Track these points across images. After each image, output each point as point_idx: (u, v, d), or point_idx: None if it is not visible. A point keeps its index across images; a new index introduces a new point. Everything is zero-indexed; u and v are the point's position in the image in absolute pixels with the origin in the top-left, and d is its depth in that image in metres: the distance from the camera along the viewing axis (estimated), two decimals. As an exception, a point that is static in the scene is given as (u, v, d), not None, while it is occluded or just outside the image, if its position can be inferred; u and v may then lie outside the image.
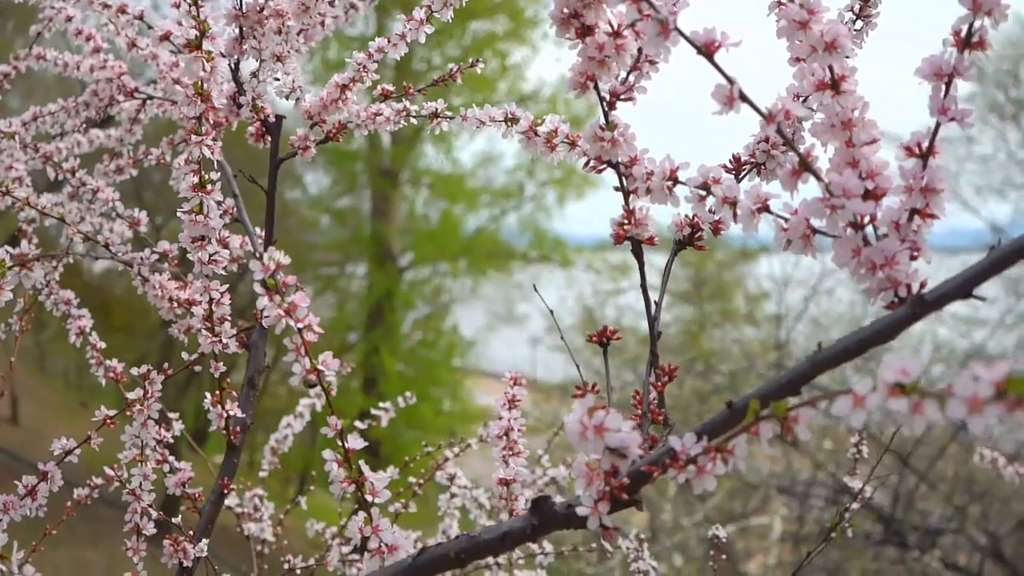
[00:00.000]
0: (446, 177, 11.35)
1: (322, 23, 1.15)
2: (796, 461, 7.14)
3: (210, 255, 0.98)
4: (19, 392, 9.50)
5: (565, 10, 0.71)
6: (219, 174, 0.97)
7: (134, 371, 1.06)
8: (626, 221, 0.78)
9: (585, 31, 0.71)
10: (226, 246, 1.03)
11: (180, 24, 1.13)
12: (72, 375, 12.87)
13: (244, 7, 1.11)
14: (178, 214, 0.96)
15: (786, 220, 0.68)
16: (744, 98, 0.63)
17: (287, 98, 1.16)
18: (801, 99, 0.77)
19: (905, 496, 6.56)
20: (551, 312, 0.91)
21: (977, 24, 0.63)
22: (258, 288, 0.74)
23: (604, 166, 0.78)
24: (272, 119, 1.19)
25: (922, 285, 0.62)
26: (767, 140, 0.82)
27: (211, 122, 0.94)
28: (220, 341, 1.04)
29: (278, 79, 1.14)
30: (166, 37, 1.14)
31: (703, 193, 0.74)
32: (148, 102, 1.43)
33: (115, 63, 1.39)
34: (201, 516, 1.14)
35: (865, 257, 0.63)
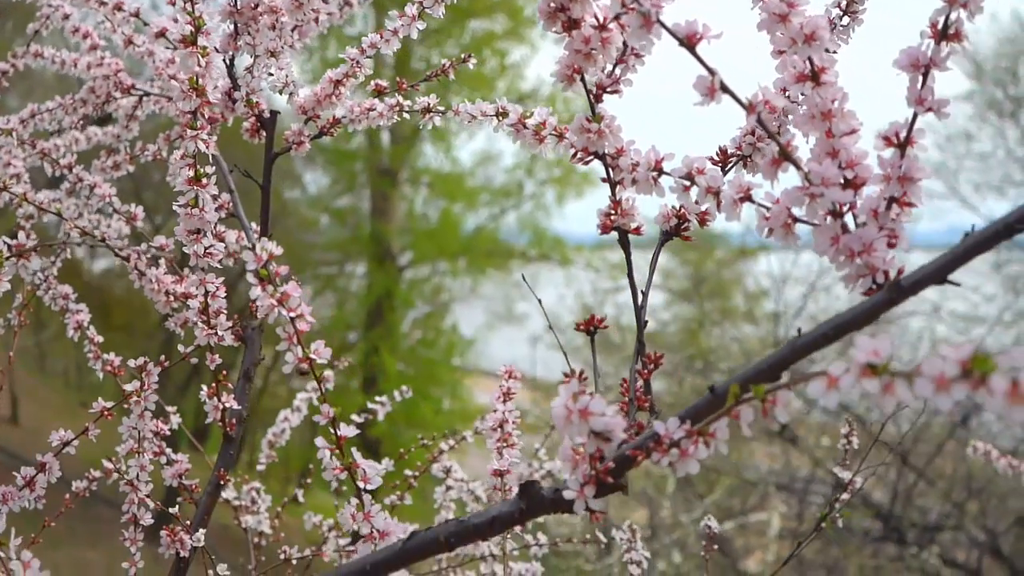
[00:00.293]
0: (445, 176, 11.36)
1: (316, 19, 1.16)
2: (795, 458, 7.16)
3: (205, 248, 0.99)
4: (19, 392, 9.52)
5: (552, 4, 0.72)
6: (214, 168, 0.98)
7: (131, 363, 1.08)
8: (613, 211, 0.80)
9: (571, 24, 0.72)
10: (222, 240, 1.05)
11: (176, 21, 1.15)
12: (72, 375, 12.88)
13: (238, 4, 1.13)
14: (174, 207, 0.97)
15: (768, 209, 0.70)
16: (725, 89, 0.64)
17: (281, 93, 1.18)
18: (786, 92, 0.78)
19: (904, 493, 6.58)
20: (539, 301, 0.93)
21: (953, 16, 0.64)
22: (251, 278, 0.75)
23: (591, 157, 0.79)
24: (267, 115, 1.20)
25: (899, 272, 0.63)
26: (753, 132, 0.84)
27: (206, 117, 0.95)
28: (216, 334, 1.06)
29: (272, 74, 1.15)
30: (162, 34, 1.16)
31: (687, 183, 0.75)
32: (145, 99, 1.45)
33: (112, 60, 1.40)
34: (198, 507, 1.16)
35: (844, 244, 0.64)
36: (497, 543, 1.40)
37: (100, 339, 1.26)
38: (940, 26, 0.65)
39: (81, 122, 1.44)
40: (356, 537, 0.81)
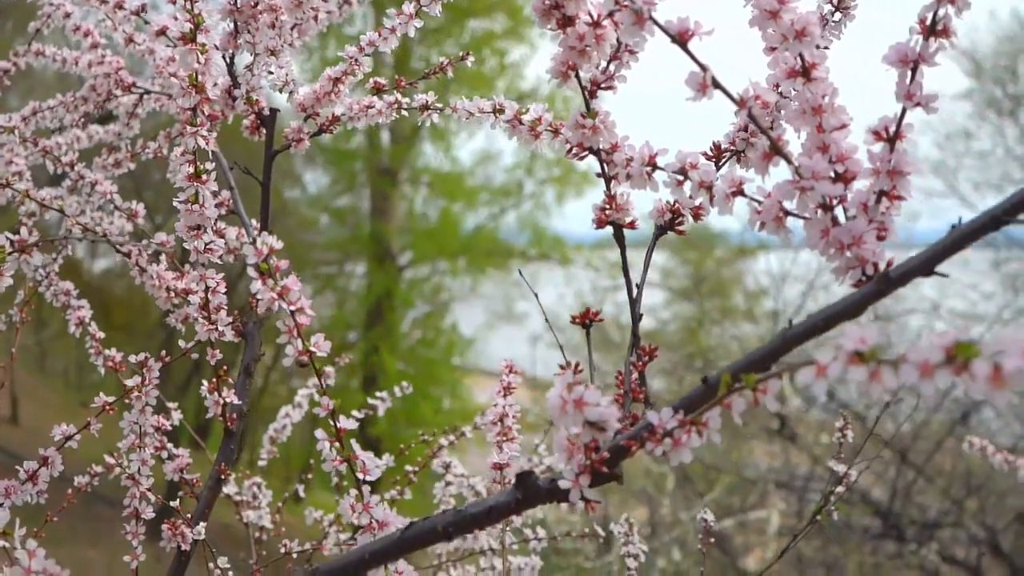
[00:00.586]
0: (445, 175, 11.37)
1: (315, 18, 1.17)
2: (794, 456, 7.17)
3: (206, 244, 1.00)
4: (19, 392, 9.53)
5: (547, 1, 0.73)
6: (214, 165, 0.99)
7: (132, 359, 1.09)
8: (608, 206, 0.81)
9: (566, 22, 0.73)
10: (222, 236, 1.06)
11: (176, 19, 1.16)
12: (72, 375, 12.90)
13: (238, 2, 1.14)
14: (175, 204, 0.98)
15: (760, 203, 0.71)
16: (717, 85, 0.65)
17: (281, 91, 1.19)
18: (778, 88, 0.79)
19: (903, 490, 6.59)
20: (536, 296, 0.94)
21: (941, 12, 0.66)
22: (252, 272, 0.76)
23: (586, 153, 0.80)
24: (267, 112, 1.21)
25: (888, 263, 0.64)
26: (745, 128, 0.84)
27: (206, 114, 0.96)
28: (216, 329, 1.07)
29: (272, 72, 1.16)
30: (162, 32, 1.17)
31: (681, 178, 0.76)
32: (145, 96, 1.46)
33: (113, 58, 1.41)
34: (199, 501, 1.17)
35: (834, 237, 0.66)
36: (496, 537, 1.42)
37: (102, 335, 1.27)
38: (928, 22, 0.66)
39: (83, 120, 1.45)
40: (356, 532, 0.82)
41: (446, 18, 9.61)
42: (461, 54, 1.22)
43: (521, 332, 11.67)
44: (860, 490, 6.55)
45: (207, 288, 1.05)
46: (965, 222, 0.60)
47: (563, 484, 0.68)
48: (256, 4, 1.12)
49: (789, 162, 0.67)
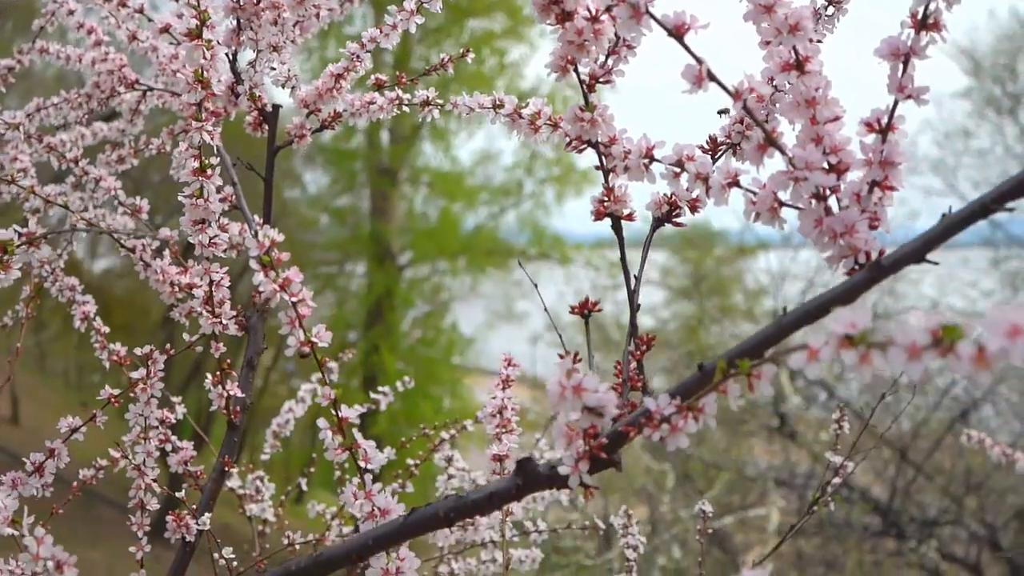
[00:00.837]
0: (445, 175, 11.39)
1: (317, 15, 1.18)
2: (794, 454, 7.19)
3: (210, 238, 1.02)
4: (19, 392, 9.55)
5: (546, -3, 0.75)
6: (219, 160, 1.01)
7: (138, 351, 1.10)
8: (606, 198, 0.82)
9: (565, 16, 0.74)
10: (225, 231, 1.07)
11: (179, 17, 1.17)
12: (72, 375, 12.92)
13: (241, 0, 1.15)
14: (179, 198, 1.00)
15: (755, 194, 0.72)
16: (712, 77, 0.66)
17: (283, 87, 1.20)
18: (773, 81, 0.80)
19: (903, 488, 6.61)
20: (535, 285, 0.95)
21: (932, 6, 0.67)
22: (254, 264, 0.78)
23: (585, 146, 0.82)
24: (269, 108, 1.23)
25: (880, 252, 0.66)
26: (742, 121, 0.86)
27: (210, 109, 0.98)
28: (220, 322, 1.08)
29: (274, 68, 1.18)
30: (166, 29, 1.18)
31: (677, 170, 0.77)
32: (148, 94, 1.47)
33: (116, 56, 1.43)
34: (203, 493, 1.18)
35: (827, 226, 0.67)
36: (497, 529, 1.43)
37: (106, 329, 1.28)
38: (920, 16, 0.68)
39: (86, 117, 1.46)
40: (358, 526, 0.83)
41: (446, 18, 9.63)
42: (461, 50, 1.23)
43: (521, 331, 11.69)
44: (860, 488, 6.57)
45: (211, 282, 1.07)
46: (955, 210, 0.62)
47: (562, 470, 0.70)
48: (259, 1, 1.14)
49: (783, 153, 0.68)
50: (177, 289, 1.19)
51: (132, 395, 1.15)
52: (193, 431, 1.46)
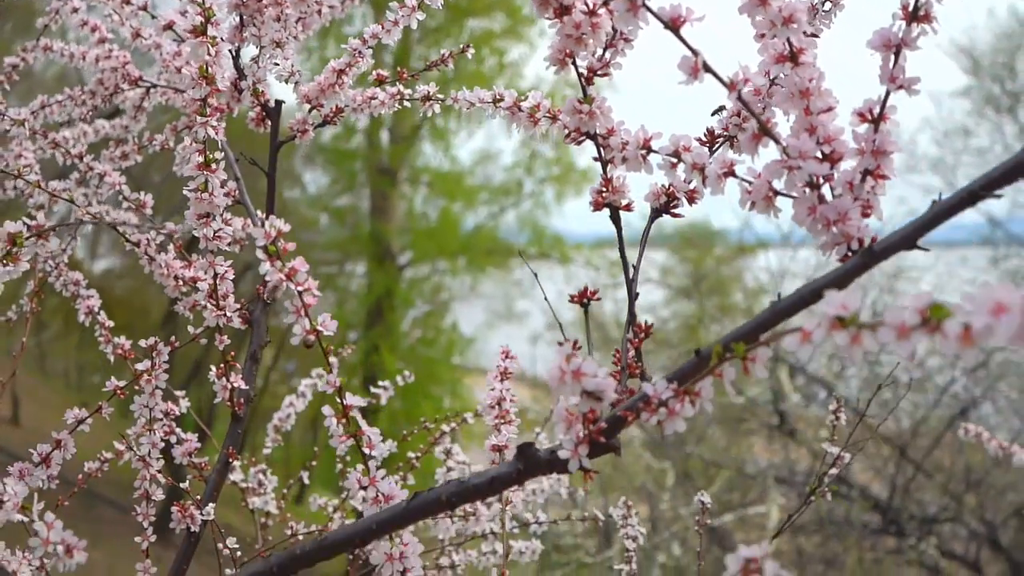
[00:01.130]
0: (445, 175, 11.40)
1: (319, 11, 1.20)
2: (794, 452, 7.21)
3: (215, 231, 1.03)
4: (20, 393, 9.56)
5: (545, -9, 0.76)
6: (222, 155, 1.02)
7: (143, 343, 1.12)
8: (604, 189, 0.84)
9: (563, 10, 0.76)
10: (229, 224, 1.09)
11: (183, 14, 1.19)
12: (72, 376, 12.92)
13: (244, -4, 1.16)
14: (184, 192, 1.01)
15: (750, 183, 0.73)
16: (708, 69, 0.68)
17: (286, 82, 1.22)
18: (769, 74, 0.82)
19: (902, 486, 6.62)
20: (536, 277, 0.96)
21: (923, -1, 0.68)
22: (260, 254, 0.79)
23: (583, 137, 0.83)
24: (272, 104, 1.24)
25: (873, 239, 0.67)
26: (738, 114, 0.87)
27: (214, 105, 0.99)
28: (225, 315, 1.10)
29: (278, 64, 1.19)
30: (169, 26, 1.20)
31: (674, 160, 0.79)
32: (152, 90, 1.49)
33: (120, 53, 1.44)
34: (207, 484, 1.20)
35: (820, 214, 0.68)
36: (497, 521, 1.44)
37: (111, 323, 1.29)
38: (911, 8, 0.69)
39: (90, 114, 1.48)
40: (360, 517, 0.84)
41: (445, 17, 9.65)
42: (462, 46, 1.25)
43: (521, 331, 11.71)
44: (860, 486, 6.59)
45: (216, 275, 1.08)
46: (945, 197, 0.63)
47: (562, 454, 0.71)
48: (261, -2, 1.15)
49: (777, 142, 0.70)
50: (181, 283, 1.21)
51: (137, 387, 1.16)
52: (195, 426, 1.48)
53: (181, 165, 1.36)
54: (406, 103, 1.23)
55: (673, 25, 0.68)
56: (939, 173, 9.21)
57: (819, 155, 0.70)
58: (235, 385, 1.17)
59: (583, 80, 0.81)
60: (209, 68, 0.98)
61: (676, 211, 0.87)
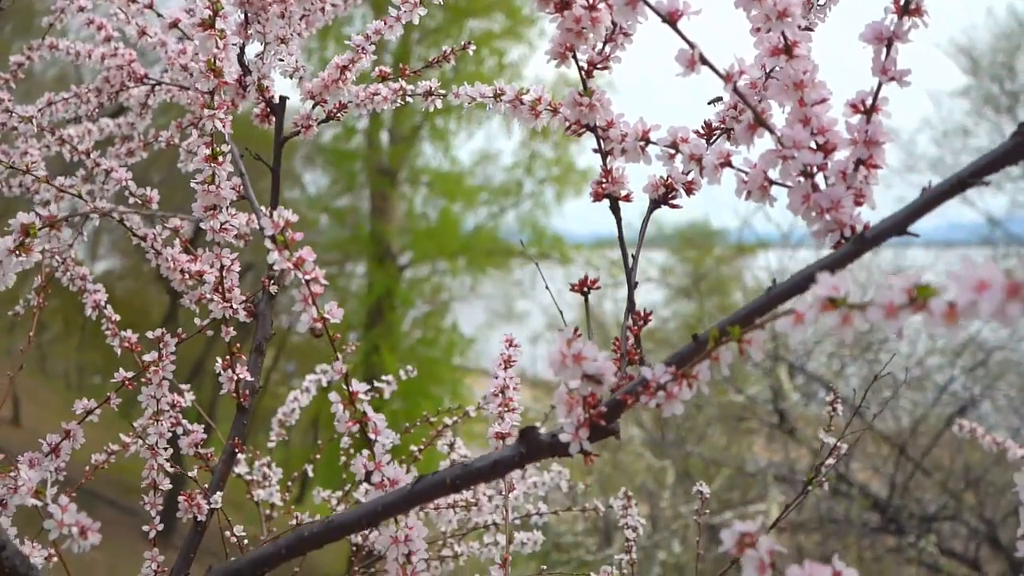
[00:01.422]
0: (445, 175, 11.42)
1: (322, 9, 1.22)
2: (793, 450, 7.23)
3: (221, 223, 1.05)
4: (20, 394, 9.58)
5: (545, -14, 0.78)
6: (229, 148, 1.04)
7: (149, 334, 1.13)
8: (604, 180, 0.86)
9: (563, 5, 0.78)
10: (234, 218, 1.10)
11: (188, 12, 1.21)
12: (72, 377, 12.93)
13: (249, -6, 1.18)
14: (192, 185, 1.03)
15: (746, 173, 0.75)
16: (704, 61, 0.70)
17: (290, 77, 1.24)
18: (765, 68, 0.84)
19: (901, 484, 6.64)
20: (540, 274, 0.98)
21: (914, -8, 0.70)
22: (268, 244, 0.81)
23: (583, 129, 0.85)
24: (276, 100, 1.26)
25: (865, 226, 0.69)
26: (735, 107, 0.89)
27: (222, 99, 1.01)
28: (231, 306, 1.12)
29: (282, 60, 1.21)
30: (175, 24, 1.22)
31: (672, 152, 0.81)
32: (157, 88, 1.51)
33: (125, 51, 1.46)
34: (214, 474, 1.22)
35: (814, 202, 0.70)
36: (498, 512, 1.46)
37: (117, 317, 1.31)
38: (902, 2, 0.71)
39: (96, 111, 1.50)
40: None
41: (445, 18, 9.68)
42: (464, 43, 1.27)
43: (521, 331, 11.72)
44: (859, 484, 6.61)
45: (222, 267, 1.10)
46: (935, 184, 0.65)
47: (563, 437, 0.73)
48: (266, -5, 1.17)
49: (772, 133, 0.72)
50: (188, 276, 1.23)
51: (143, 380, 1.18)
52: (200, 421, 1.50)
53: (186, 161, 1.38)
54: (408, 99, 1.25)
55: (670, 18, 0.70)
56: (938, 173, 9.24)
57: (813, 145, 0.72)
58: (241, 377, 1.19)
59: (583, 73, 0.83)
60: (217, 61, 1.00)
61: (674, 202, 0.89)
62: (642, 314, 0.85)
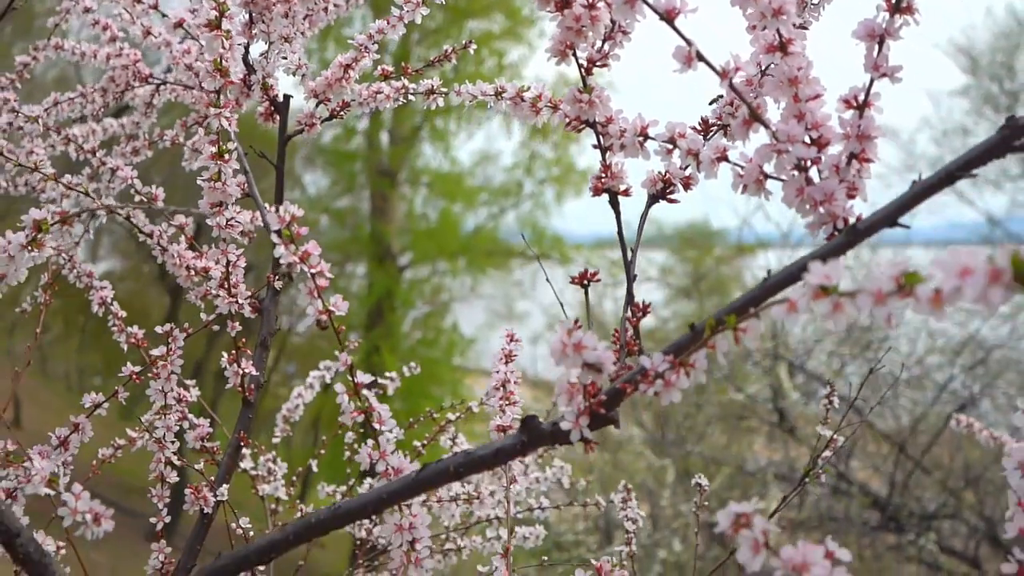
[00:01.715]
0: (445, 176, 11.45)
1: (325, 9, 1.24)
2: (793, 449, 7.24)
3: (227, 220, 1.07)
4: (22, 396, 9.60)
5: (545, -15, 0.80)
6: (235, 146, 1.06)
7: (158, 329, 1.15)
8: (603, 175, 0.88)
9: (563, 4, 0.80)
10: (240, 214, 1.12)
11: (192, 12, 1.23)
12: (73, 378, 12.96)
13: (253, -6, 1.20)
14: (198, 182, 1.05)
15: (742, 167, 0.77)
16: (701, 57, 0.72)
17: (293, 74, 1.25)
18: (760, 65, 0.86)
19: (901, 483, 6.66)
20: (538, 260, 1.00)
21: (905, -9, 0.72)
22: (275, 238, 0.83)
23: (583, 125, 0.87)
24: (280, 99, 1.28)
25: (858, 218, 0.71)
26: (732, 103, 0.91)
27: (230, 96, 1.03)
28: (236, 302, 1.14)
29: (286, 58, 1.23)
30: (179, 24, 1.23)
31: (670, 147, 0.83)
32: (161, 87, 1.53)
33: (130, 51, 1.48)
34: (219, 468, 1.23)
35: (808, 195, 0.72)
36: (500, 506, 1.48)
37: (123, 313, 1.33)
38: (893, 0, 0.73)
39: (101, 111, 1.52)
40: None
41: (445, 19, 9.70)
42: (464, 42, 1.29)
43: (522, 332, 11.71)
44: (859, 482, 6.62)
45: (228, 263, 1.12)
46: (925, 177, 0.67)
47: (564, 425, 0.75)
48: (271, -5, 1.19)
49: (767, 128, 0.74)
50: (193, 273, 1.25)
51: (150, 375, 1.20)
52: (203, 415, 1.52)
53: (191, 160, 1.40)
54: (410, 97, 1.26)
55: (668, 16, 0.71)
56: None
57: (807, 140, 0.74)
58: (246, 371, 1.20)
59: (583, 71, 0.85)
60: (223, 61, 1.02)
61: (672, 196, 0.91)
62: (641, 306, 0.87)
